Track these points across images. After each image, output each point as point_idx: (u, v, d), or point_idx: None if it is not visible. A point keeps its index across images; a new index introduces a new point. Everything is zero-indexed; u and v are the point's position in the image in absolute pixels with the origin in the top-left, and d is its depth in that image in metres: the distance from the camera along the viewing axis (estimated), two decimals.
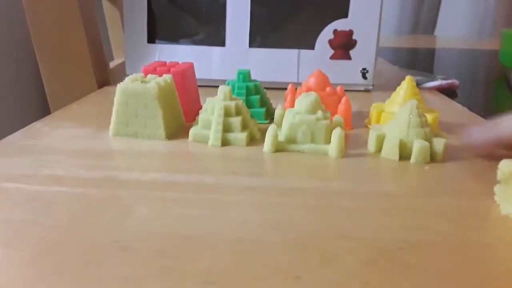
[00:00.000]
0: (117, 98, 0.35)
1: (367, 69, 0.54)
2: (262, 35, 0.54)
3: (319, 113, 0.33)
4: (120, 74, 0.58)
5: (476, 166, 0.32)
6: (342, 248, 0.21)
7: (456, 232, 0.23)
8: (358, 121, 0.41)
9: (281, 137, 0.34)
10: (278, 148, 0.34)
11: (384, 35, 0.56)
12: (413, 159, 0.32)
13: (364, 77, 0.54)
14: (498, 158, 0.26)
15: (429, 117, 0.35)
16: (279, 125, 0.36)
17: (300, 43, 0.54)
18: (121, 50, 0.72)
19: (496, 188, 0.26)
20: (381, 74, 0.59)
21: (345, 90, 0.41)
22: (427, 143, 0.31)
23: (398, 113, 0.33)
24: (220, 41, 0.54)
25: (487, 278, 0.19)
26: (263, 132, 0.35)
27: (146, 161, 0.32)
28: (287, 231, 0.22)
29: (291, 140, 0.34)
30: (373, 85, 0.55)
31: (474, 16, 1.34)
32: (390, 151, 0.32)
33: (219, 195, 0.26)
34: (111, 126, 0.36)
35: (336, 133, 0.32)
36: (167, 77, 0.36)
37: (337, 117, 0.36)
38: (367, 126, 0.40)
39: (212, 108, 0.35)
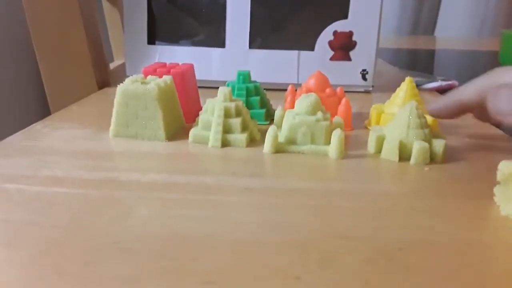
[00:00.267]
0: (117, 99, 0.35)
1: (367, 70, 0.54)
2: (262, 36, 0.54)
3: (319, 114, 0.33)
4: (120, 75, 0.58)
5: (475, 167, 0.32)
6: (342, 248, 0.21)
7: (456, 232, 0.23)
8: (358, 122, 0.41)
9: (281, 138, 0.34)
10: (278, 149, 0.34)
11: (384, 36, 0.56)
12: (412, 160, 0.32)
13: (364, 78, 0.54)
14: (498, 159, 0.26)
15: (429, 118, 0.35)
16: (279, 126, 0.36)
17: (300, 44, 0.54)
18: (121, 51, 0.72)
19: (496, 189, 0.26)
20: (381, 75, 0.59)
21: (345, 91, 0.41)
22: (426, 144, 0.31)
23: (398, 114, 0.33)
24: (220, 42, 0.54)
25: (487, 279, 0.19)
26: (263, 133, 0.35)
27: (146, 162, 0.32)
28: (287, 232, 0.22)
29: (291, 141, 0.34)
30: (373, 86, 0.55)
31: (474, 17, 1.34)
32: (390, 152, 0.32)
33: (219, 196, 0.26)
34: (111, 127, 0.36)
35: (336, 134, 0.32)
36: (167, 78, 0.36)
37: (337, 118, 0.36)
38: (367, 127, 0.40)
39: (212, 109, 0.35)
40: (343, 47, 0.53)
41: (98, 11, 0.60)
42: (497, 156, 0.28)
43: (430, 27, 1.41)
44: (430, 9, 1.39)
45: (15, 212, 0.24)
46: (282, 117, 0.36)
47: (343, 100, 0.39)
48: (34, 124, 0.39)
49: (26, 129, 0.38)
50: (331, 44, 0.54)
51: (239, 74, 0.40)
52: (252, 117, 0.37)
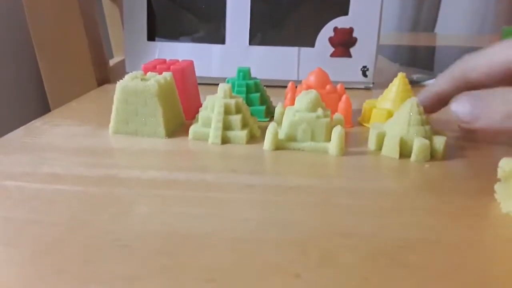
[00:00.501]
0: (116, 96, 0.35)
1: (367, 66, 0.54)
2: (262, 32, 0.54)
3: (319, 111, 0.33)
4: (120, 72, 0.58)
5: (476, 164, 0.32)
6: (342, 246, 0.21)
7: (457, 230, 0.23)
8: (358, 119, 0.41)
9: (281, 135, 0.34)
10: (278, 146, 0.34)
11: (384, 32, 0.56)
12: (413, 157, 0.32)
13: (365, 74, 0.54)
14: (499, 157, 0.26)
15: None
16: (279, 123, 0.36)
17: (300, 40, 0.54)
18: (121, 48, 0.72)
19: (497, 186, 0.26)
20: (381, 71, 0.59)
21: (346, 88, 0.41)
22: (427, 141, 0.31)
23: (399, 111, 0.33)
24: (220, 39, 0.54)
25: (487, 276, 0.19)
26: (263, 130, 0.35)
27: (146, 159, 0.32)
28: (287, 229, 0.22)
29: (291, 138, 0.34)
30: (373, 83, 0.55)
31: (474, 13, 1.34)
32: (390, 149, 0.32)
33: (219, 193, 0.26)
34: (111, 124, 0.36)
35: (336, 131, 0.32)
36: (167, 74, 0.36)
37: (337, 115, 0.36)
38: (360, 124, 0.40)
39: (212, 106, 0.35)
40: (344, 43, 0.53)
41: (97, 7, 0.60)
42: (497, 153, 0.28)
43: (430, 24, 1.41)
44: (431, 5, 1.39)
45: (15, 209, 0.24)
46: (282, 114, 0.36)
47: (344, 97, 0.39)
48: (33, 121, 0.39)
49: (25, 126, 0.38)
50: (331, 40, 0.53)
51: (239, 71, 0.40)
52: (252, 114, 0.37)
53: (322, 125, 0.33)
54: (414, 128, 0.32)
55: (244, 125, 0.35)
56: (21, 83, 0.58)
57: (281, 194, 0.26)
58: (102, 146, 0.34)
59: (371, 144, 0.34)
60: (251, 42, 0.54)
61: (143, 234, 0.22)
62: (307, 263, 0.20)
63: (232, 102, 0.35)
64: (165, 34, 0.55)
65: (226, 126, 0.35)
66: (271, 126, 0.33)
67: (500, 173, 0.25)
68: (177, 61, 0.41)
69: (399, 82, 0.38)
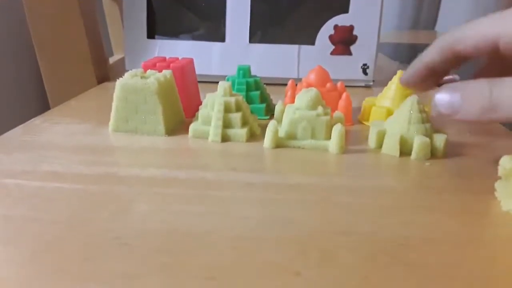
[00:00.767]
0: (116, 94, 0.35)
1: (367, 64, 0.54)
2: (262, 30, 0.54)
3: (320, 109, 0.33)
4: (119, 69, 0.58)
5: (476, 162, 0.32)
6: (342, 244, 0.21)
7: (457, 228, 0.23)
8: (358, 117, 0.41)
9: (281, 133, 0.34)
10: (278, 144, 0.34)
11: (384, 30, 0.56)
12: (413, 155, 0.32)
13: (365, 72, 0.54)
14: (499, 154, 0.26)
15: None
16: (279, 121, 0.36)
17: (301, 38, 0.54)
18: (120, 46, 0.72)
19: (497, 184, 0.26)
20: (381, 69, 0.59)
21: (346, 86, 0.41)
22: (427, 139, 0.31)
23: (399, 109, 0.33)
24: (220, 37, 0.54)
25: (488, 274, 0.19)
26: (263, 128, 0.35)
27: (146, 157, 0.32)
28: (287, 227, 0.22)
29: (292, 136, 0.34)
30: (373, 80, 0.54)
31: (474, 11, 1.34)
32: (390, 147, 0.32)
33: (219, 191, 0.26)
34: (111, 122, 0.36)
35: (337, 129, 0.32)
36: (167, 72, 0.36)
37: (338, 113, 0.36)
38: (360, 122, 0.40)
39: (212, 103, 0.35)
40: (344, 41, 0.53)
41: (97, 5, 0.60)
42: (498, 151, 0.28)
43: (431, 22, 1.41)
44: (431, 3, 1.39)
45: (15, 207, 0.24)
46: (282, 112, 0.36)
47: (344, 95, 0.39)
48: (33, 119, 0.39)
49: (25, 124, 0.38)
50: (331, 38, 0.53)
51: (239, 69, 0.40)
52: (252, 112, 0.37)
53: (322, 123, 0.33)
54: (415, 126, 0.32)
55: (244, 123, 0.35)
56: (21, 83, 0.58)
57: (281, 192, 0.26)
58: (102, 144, 0.34)
59: (371, 142, 0.34)
60: (251, 40, 0.54)
61: (143, 232, 0.22)
62: (307, 261, 0.20)
63: (232, 100, 0.34)
64: (165, 32, 0.55)
65: (226, 124, 0.35)
66: (271, 124, 0.33)
67: (500, 171, 0.25)
68: (177, 59, 0.41)
69: (398, 80, 0.38)
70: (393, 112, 0.35)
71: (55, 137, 0.35)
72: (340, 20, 0.53)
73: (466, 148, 0.34)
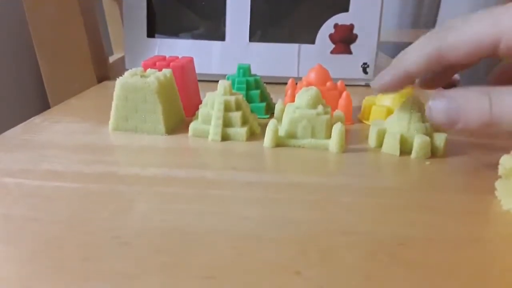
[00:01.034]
0: (116, 93, 0.34)
1: (367, 63, 0.54)
2: (262, 29, 0.54)
3: (320, 108, 0.33)
4: (119, 68, 0.58)
5: (477, 161, 0.32)
6: (342, 243, 0.21)
7: (457, 227, 0.23)
8: (358, 116, 0.41)
9: (281, 132, 0.34)
10: (279, 143, 0.34)
11: (384, 29, 0.56)
12: (413, 154, 0.31)
13: (365, 71, 0.54)
14: (499, 154, 0.26)
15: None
16: (280, 120, 0.36)
17: (301, 37, 0.54)
18: (120, 45, 0.72)
19: (497, 183, 0.26)
20: (381, 69, 0.59)
21: (346, 85, 0.41)
22: (428, 138, 0.31)
23: (399, 108, 0.33)
24: (220, 36, 0.54)
25: (488, 274, 0.19)
26: (263, 127, 0.35)
27: (146, 156, 0.32)
28: (287, 227, 0.22)
29: (292, 135, 0.34)
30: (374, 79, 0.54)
31: (475, 9, 1.33)
32: (391, 146, 0.32)
33: (219, 191, 0.26)
34: (111, 120, 0.36)
35: (337, 128, 0.32)
36: (167, 71, 0.36)
37: (338, 112, 0.36)
38: (360, 121, 0.40)
39: (212, 102, 0.35)
40: (344, 40, 0.53)
41: (97, 4, 0.60)
42: (498, 151, 0.28)
43: (431, 21, 1.41)
44: (431, 2, 1.39)
45: (14, 206, 0.24)
46: (282, 110, 0.36)
47: (344, 94, 0.39)
48: (33, 118, 0.39)
49: (25, 123, 0.38)
50: (331, 37, 0.53)
51: (239, 68, 0.40)
52: (252, 111, 0.37)
53: (323, 122, 0.33)
54: (415, 125, 0.32)
55: (244, 122, 0.35)
56: (21, 82, 0.58)
57: (281, 191, 0.26)
58: (102, 143, 0.34)
59: (372, 141, 0.34)
60: (251, 39, 0.54)
61: (142, 231, 0.22)
62: (307, 260, 0.20)
63: (232, 99, 0.34)
64: (165, 31, 0.55)
65: (226, 123, 0.34)
66: (271, 123, 0.33)
67: (500, 170, 0.25)
68: (177, 57, 0.41)
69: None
70: (393, 111, 0.35)
71: (55, 136, 0.35)
72: (340, 19, 0.53)
73: (466, 147, 0.34)
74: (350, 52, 0.53)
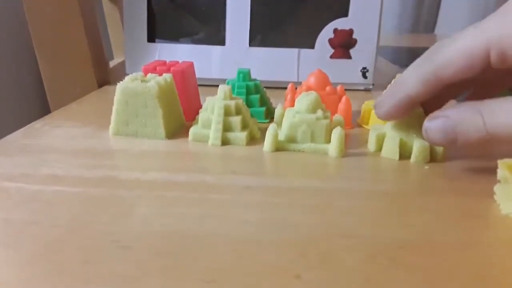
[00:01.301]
0: (117, 98, 0.35)
1: (367, 68, 0.54)
2: (262, 34, 0.54)
3: (319, 112, 0.33)
4: (120, 73, 0.58)
5: (476, 165, 0.32)
6: (342, 247, 0.21)
7: (456, 231, 0.23)
8: (357, 120, 0.41)
9: (281, 137, 0.34)
10: (278, 148, 0.34)
11: (384, 34, 0.56)
12: (413, 158, 0.32)
13: (364, 76, 0.54)
14: (498, 158, 0.26)
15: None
16: (279, 124, 0.36)
17: (300, 42, 0.54)
18: (121, 49, 0.72)
19: (496, 188, 0.26)
20: (381, 73, 0.59)
21: (345, 89, 0.41)
22: (427, 143, 0.31)
23: None
24: (220, 40, 0.54)
25: (487, 278, 0.19)
26: (263, 132, 0.35)
27: (146, 160, 0.32)
28: (287, 230, 0.22)
29: (291, 139, 0.34)
30: (373, 84, 0.55)
31: (474, 14, 1.34)
32: (390, 150, 0.32)
33: (219, 195, 0.26)
34: (111, 125, 0.36)
35: (336, 133, 0.32)
36: (167, 76, 0.36)
37: (337, 116, 0.36)
38: (360, 125, 0.40)
39: (212, 107, 0.35)
40: (344, 45, 0.53)
41: (97, 8, 0.60)
42: (497, 155, 0.28)
43: (430, 25, 1.41)
44: (430, 6, 1.39)
45: (15, 211, 0.24)
46: (282, 115, 0.36)
47: (343, 98, 0.39)
48: (33, 123, 0.39)
49: (25, 127, 0.38)
50: (331, 42, 0.53)
51: (239, 72, 0.40)
52: (252, 115, 0.37)
53: (322, 127, 0.33)
54: (414, 129, 0.32)
55: (244, 126, 0.35)
56: (21, 83, 0.58)
57: (281, 195, 0.26)
58: (102, 147, 0.34)
59: (371, 146, 0.34)
60: (251, 43, 0.54)
61: (143, 235, 0.22)
62: (307, 264, 0.20)
63: (232, 103, 0.35)
64: (165, 36, 0.55)
65: (226, 128, 0.35)
66: (271, 128, 0.33)
67: (499, 174, 0.25)
68: (177, 62, 0.41)
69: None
70: None
71: (55, 140, 0.35)
72: (340, 23, 0.53)
73: (465, 151, 0.34)
74: (349, 57, 0.54)
